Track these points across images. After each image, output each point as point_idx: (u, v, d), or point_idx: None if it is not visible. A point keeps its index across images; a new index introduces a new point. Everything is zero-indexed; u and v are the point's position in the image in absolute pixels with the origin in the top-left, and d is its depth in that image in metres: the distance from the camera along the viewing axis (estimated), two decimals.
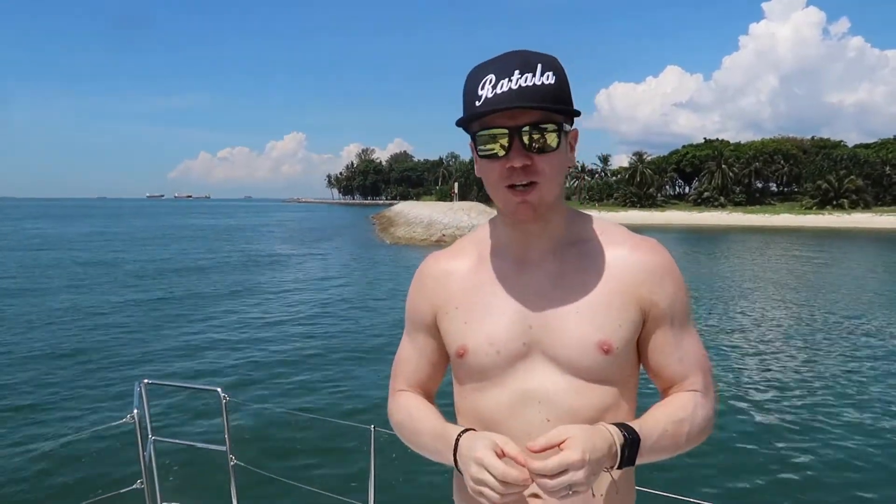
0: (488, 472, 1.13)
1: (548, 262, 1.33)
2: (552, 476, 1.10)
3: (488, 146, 1.22)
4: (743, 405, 9.05)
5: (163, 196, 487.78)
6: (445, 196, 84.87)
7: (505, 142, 1.20)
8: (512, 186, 1.22)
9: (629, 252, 1.32)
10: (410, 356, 1.49)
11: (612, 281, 1.30)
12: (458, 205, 54.88)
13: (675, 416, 1.29)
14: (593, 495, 1.28)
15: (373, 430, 2.94)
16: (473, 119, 1.22)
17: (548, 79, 1.19)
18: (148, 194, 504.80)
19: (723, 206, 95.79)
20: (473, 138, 1.25)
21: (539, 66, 1.19)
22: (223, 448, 3.33)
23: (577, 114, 1.26)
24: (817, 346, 13.00)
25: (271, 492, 5.28)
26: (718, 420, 1.41)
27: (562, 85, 1.22)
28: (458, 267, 1.41)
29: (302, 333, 14.13)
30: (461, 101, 1.26)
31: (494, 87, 1.18)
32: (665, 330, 1.33)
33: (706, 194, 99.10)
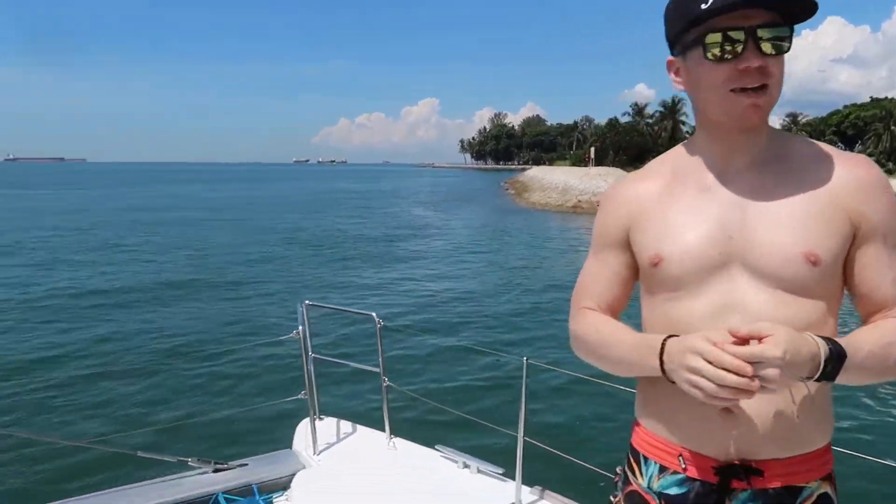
0: (704, 359, 1.08)
1: (749, 175, 1.28)
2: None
3: (719, 48, 1.16)
4: None
5: (308, 161, 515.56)
6: (579, 161, 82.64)
7: (739, 43, 1.15)
8: (740, 90, 1.17)
9: (838, 164, 1.25)
10: (598, 275, 1.45)
11: (819, 192, 1.23)
12: (594, 170, 53.32)
13: (884, 339, 1.19)
14: (793, 401, 1.21)
15: (525, 361, 2.92)
16: (697, 23, 1.17)
17: None
18: (294, 159, 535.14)
19: (891, 172, 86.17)
20: (690, 45, 1.22)
21: None
22: (377, 370, 3.45)
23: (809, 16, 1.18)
24: None
25: (422, 415, 5.51)
26: None
27: None
28: (650, 186, 1.38)
29: (451, 280, 15.43)
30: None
31: None
32: (878, 247, 1.23)
33: (872, 160, 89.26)
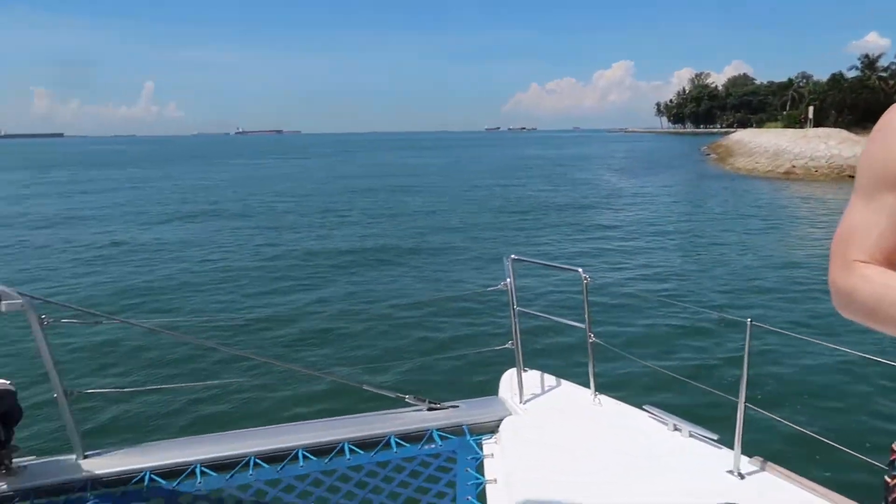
0: None
1: None
2: None
3: None
4: None
5: (499, 128, 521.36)
6: (793, 122, 74.51)
7: None
8: None
9: None
10: (874, 222, 1.26)
11: None
12: (812, 132, 47.81)
13: None
14: None
15: (749, 323, 2.72)
16: None
17: None
18: (486, 127, 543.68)
19: None
20: None
21: None
22: (582, 325, 3.43)
23: None
24: None
25: (628, 374, 5.44)
26: None
27: None
28: None
29: (652, 245, 15.24)
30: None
31: None
32: None
33: None
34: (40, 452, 3.10)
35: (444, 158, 69.17)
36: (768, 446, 2.88)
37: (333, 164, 60.02)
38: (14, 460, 2.93)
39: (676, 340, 7.24)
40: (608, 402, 3.42)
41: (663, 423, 3.12)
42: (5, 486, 2.84)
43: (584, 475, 2.70)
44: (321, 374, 3.74)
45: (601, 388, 3.47)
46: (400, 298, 10.02)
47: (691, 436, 3.00)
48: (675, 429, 3.06)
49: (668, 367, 3.62)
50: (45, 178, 44.13)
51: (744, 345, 2.71)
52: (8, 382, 2.90)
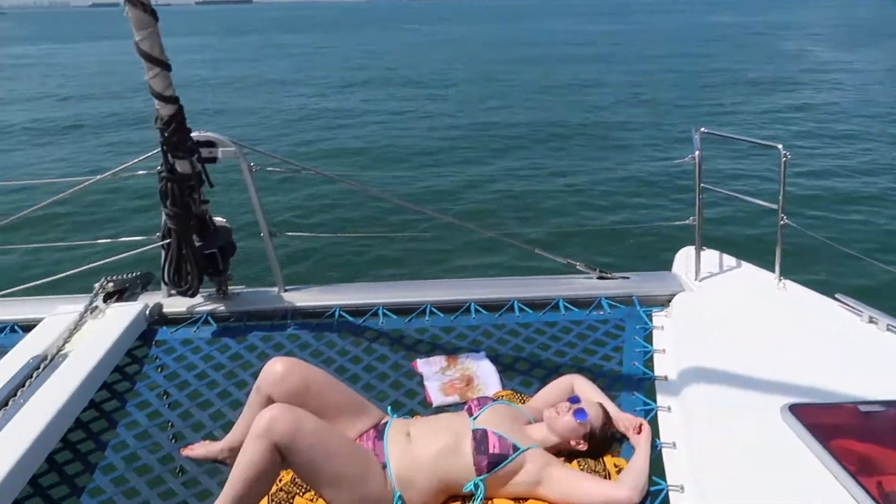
0: None
1: None
2: None
3: None
4: None
5: None
6: None
7: None
8: None
9: None
10: None
11: None
12: None
13: None
14: None
15: None
16: None
17: None
18: None
19: None
20: None
21: None
22: (775, 206, 3.17)
23: None
24: None
25: (819, 260, 5.03)
26: None
27: None
28: None
29: (863, 133, 13.28)
30: None
31: None
32: None
33: None
34: (248, 283, 3.56)
35: (622, 25, 64.24)
36: None
37: (502, 30, 58.05)
38: (229, 287, 3.40)
39: (882, 232, 6.47)
40: (794, 288, 3.21)
41: (857, 313, 2.89)
42: (223, 308, 3.32)
43: (761, 358, 2.60)
44: (497, 234, 3.84)
45: (787, 273, 3.25)
46: (578, 172, 9.77)
47: (889, 329, 2.75)
48: (871, 321, 2.82)
49: (868, 255, 3.28)
50: (238, 43, 47.26)
51: None
52: (224, 220, 3.30)
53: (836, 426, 2.20)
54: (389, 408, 2.52)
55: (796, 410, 2.20)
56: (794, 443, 2.09)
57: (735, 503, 1.92)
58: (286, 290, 3.41)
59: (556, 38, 45.69)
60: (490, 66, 26.46)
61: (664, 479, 2.12)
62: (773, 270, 3.28)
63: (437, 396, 2.65)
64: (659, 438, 2.29)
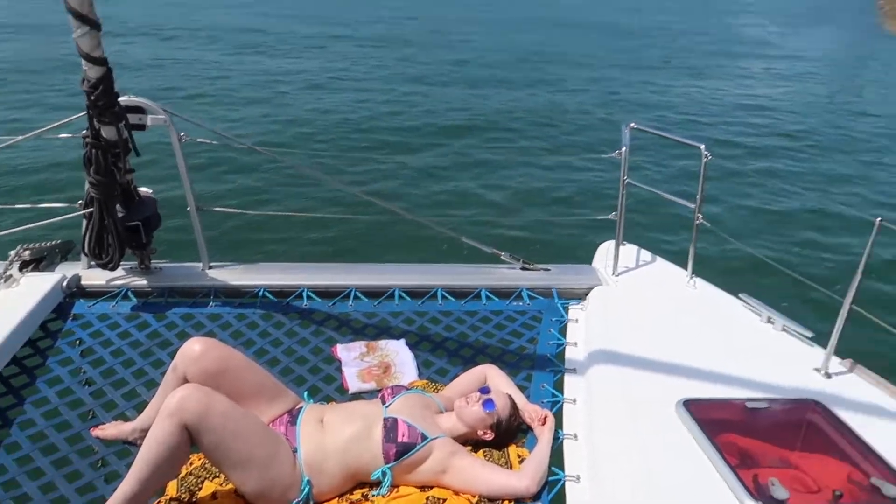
0: None
1: None
2: None
3: None
4: None
5: None
6: None
7: None
8: None
9: None
10: None
11: None
12: None
13: None
14: None
15: (878, 223, 2.52)
16: None
17: None
18: None
19: None
20: None
21: None
22: (692, 205, 3.31)
23: None
24: None
25: (730, 261, 5.28)
26: None
27: None
28: None
29: (789, 113, 13.74)
30: None
31: None
32: None
33: None
34: (172, 258, 3.49)
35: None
36: (865, 351, 2.79)
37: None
38: (151, 262, 3.33)
39: (789, 231, 6.81)
40: (703, 286, 3.38)
41: (757, 313, 3.08)
42: (144, 283, 3.26)
43: (665, 353, 2.75)
44: (426, 220, 3.88)
45: (699, 272, 3.41)
46: (511, 163, 9.80)
47: (784, 330, 2.95)
48: (769, 321, 3.02)
49: (773, 258, 3.47)
50: None
51: (865, 242, 2.54)
52: (150, 192, 3.23)
53: (724, 421, 2.37)
54: (306, 393, 2.55)
55: (689, 406, 2.35)
56: (685, 437, 2.24)
57: (626, 493, 2.05)
58: (211, 268, 3.37)
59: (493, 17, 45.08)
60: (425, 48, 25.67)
61: (562, 469, 2.24)
62: (686, 268, 3.44)
63: (354, 383, 2.69)
64: (562, 430, 2.40)
